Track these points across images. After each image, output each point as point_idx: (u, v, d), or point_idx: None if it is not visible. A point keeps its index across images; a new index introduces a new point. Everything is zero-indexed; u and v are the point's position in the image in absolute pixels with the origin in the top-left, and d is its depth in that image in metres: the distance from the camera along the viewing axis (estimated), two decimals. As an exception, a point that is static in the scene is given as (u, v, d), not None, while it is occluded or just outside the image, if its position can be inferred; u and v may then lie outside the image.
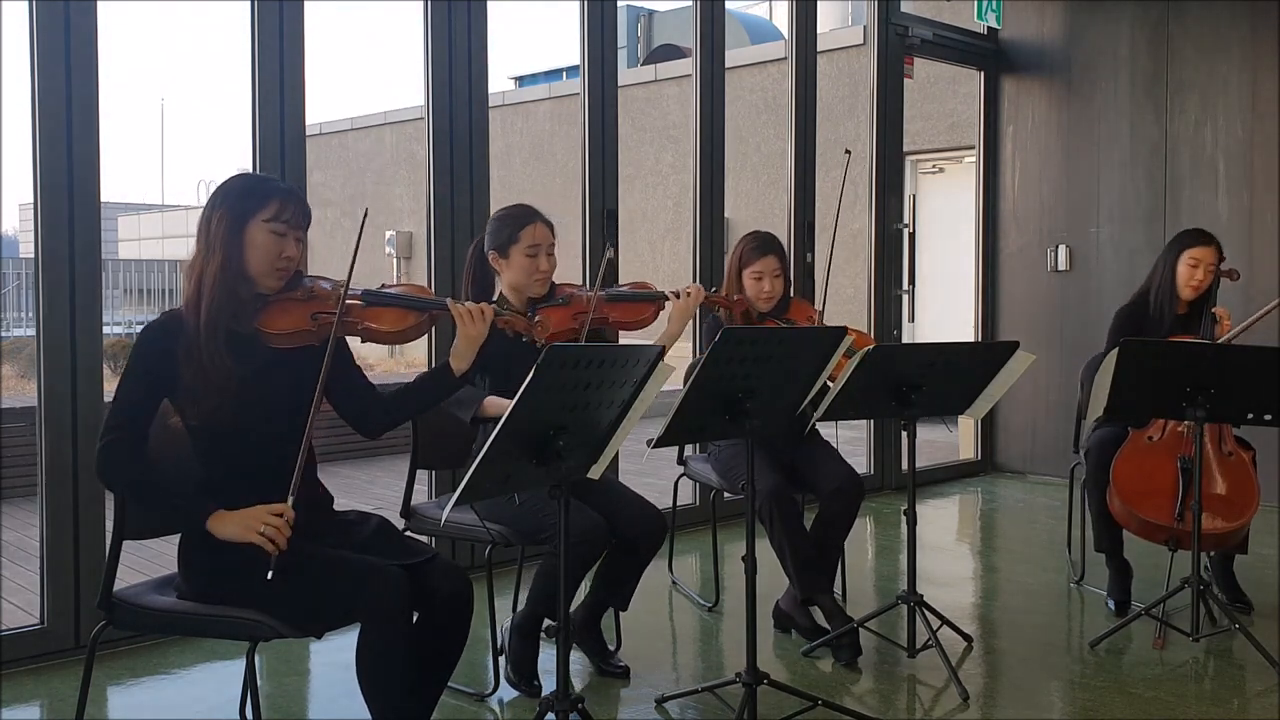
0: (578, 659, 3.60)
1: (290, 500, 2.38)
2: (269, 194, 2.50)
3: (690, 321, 3.57)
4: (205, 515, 2.39)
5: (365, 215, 2.64)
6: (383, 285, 2.71)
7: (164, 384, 2.45)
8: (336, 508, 2.69)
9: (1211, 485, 3.83)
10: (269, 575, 2.31)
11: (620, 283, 3.71)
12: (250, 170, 4.09)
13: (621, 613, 3.47)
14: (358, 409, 2.71)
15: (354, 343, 2.68)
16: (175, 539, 2.56)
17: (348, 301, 2.53)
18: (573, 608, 3.39)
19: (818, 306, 4.01)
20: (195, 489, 2.47)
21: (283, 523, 2.35)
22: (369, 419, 2.73)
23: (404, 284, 2.76)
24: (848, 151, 4.04)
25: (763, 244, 3.87)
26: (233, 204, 2.48)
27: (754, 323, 3.85)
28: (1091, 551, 4.27)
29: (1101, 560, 4.21)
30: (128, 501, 2.52)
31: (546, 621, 3.34)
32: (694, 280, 5.38)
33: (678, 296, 3.55)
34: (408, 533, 3.25)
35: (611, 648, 3.55)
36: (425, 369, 2.93)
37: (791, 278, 4.02)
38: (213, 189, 2.56)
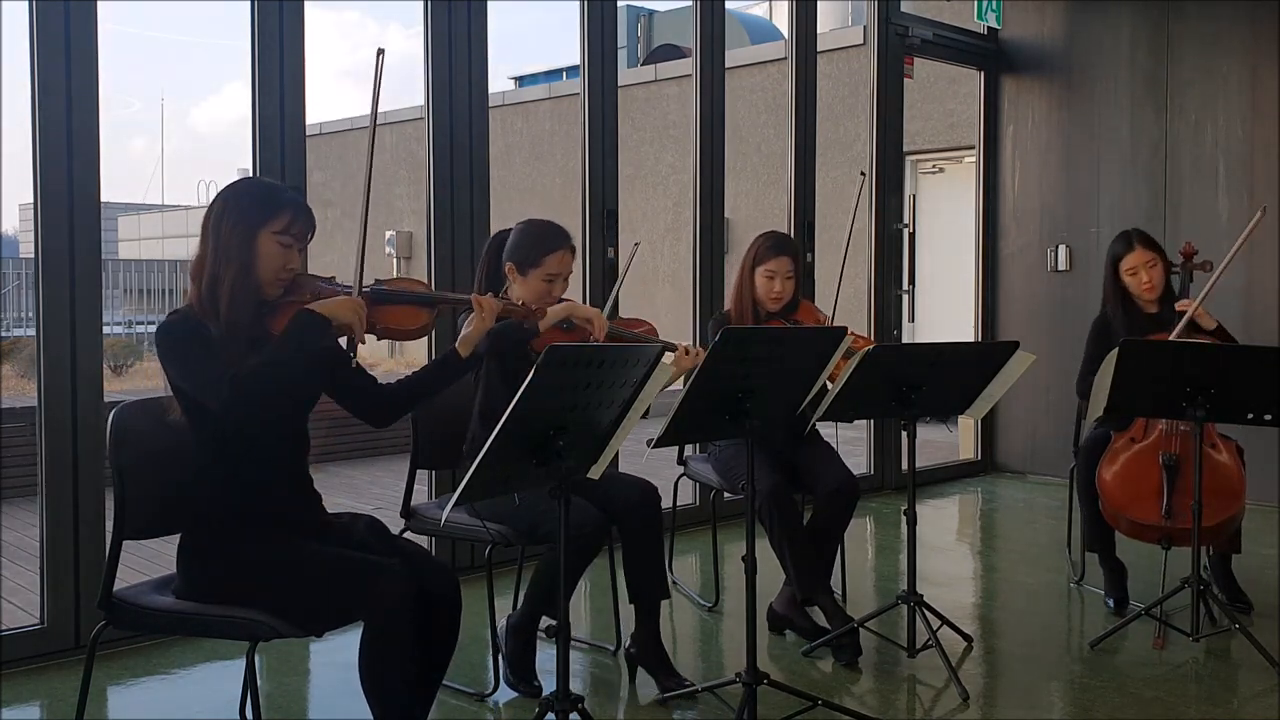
0: (578, 659, 3.60)
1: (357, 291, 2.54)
2: (280, 205, 2.52)
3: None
4: (315, 312, 2.43)
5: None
6: (376, 281, 2.73)
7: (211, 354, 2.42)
8: (329, 509, 2.70)
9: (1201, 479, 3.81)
10: (354, 360, 2.55)
11: (626, 317, 3.59)
12: (250, 171, 4.10)
13: (666, 601, 3.38)
14: (362, 401, 2.74)
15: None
16: (175, 539, 2.57)
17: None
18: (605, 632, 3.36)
19: (826, 312, 4.00)
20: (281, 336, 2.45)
21: (363, 310, 2.50)
22: (376, 410, 2.76)
23: (399, 279, 2.78)
24: (863, 174, 4.06)
25: (779, 244, 3.87)
26: (244, 212, 2.49)
27: (760, 323, 3.85)
28: (1086, 549, 4.27)
29: (1102, 560, 4.22)
30: (277, 393, 2.45)
31: (546, 622, 3.34)
32: (693, 295, 5.43)
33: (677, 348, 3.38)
34: (406, 533, 3.27)
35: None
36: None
37: (801, 281, 4.01)
38: (216, 189, 2.57)
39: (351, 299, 2.50)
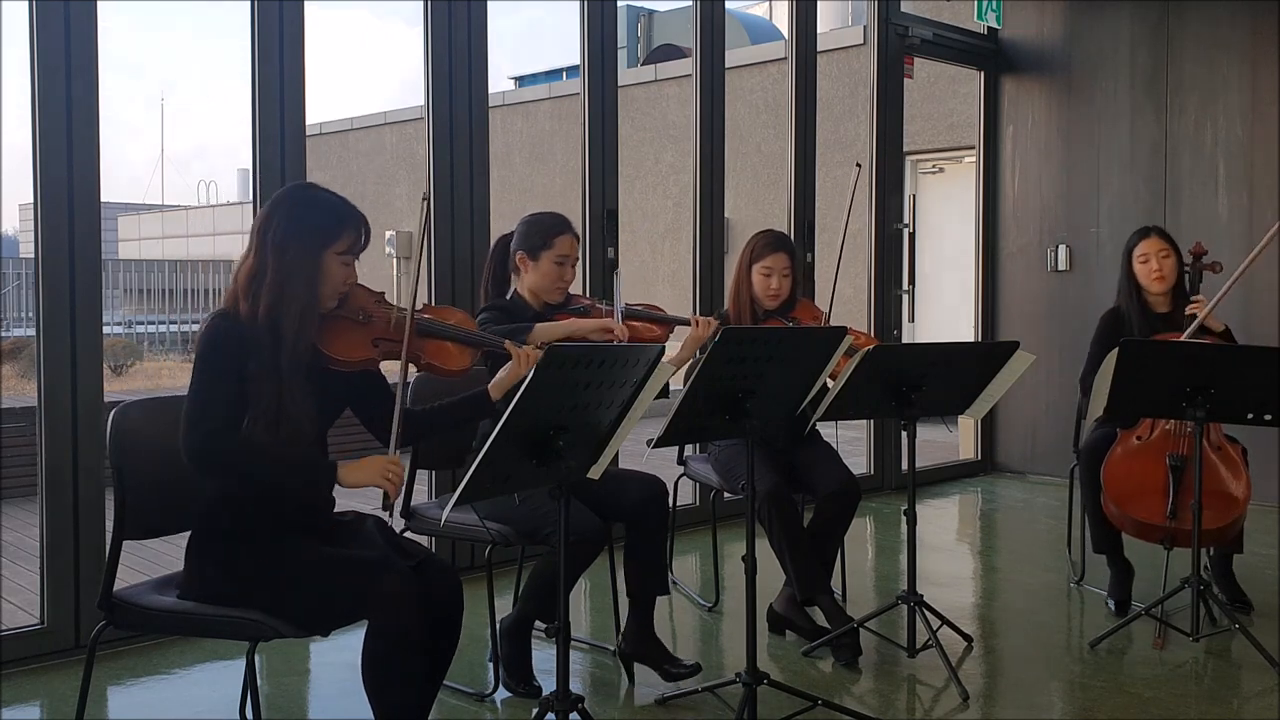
0: (577, 659, 3.60)
1: (396, 453, 2.49)
2: (345, 224, 2.51)
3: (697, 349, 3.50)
4: (335, 468, 2.45)
5: (426, 200, 2.70)
6: (425, 306, 2.78)
7: (239, 379, 2.42)
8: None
9: (1203, 481, 3.82)
10: (390, 515, 2.52)
11: (633, 302, 3.62)
12: (251, 171, 4.10)
13: (663, 596, 3.42)
14: (386, 427, 2.71)
15: None
16: (175, 539, 2.56)
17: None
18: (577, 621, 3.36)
19: (823, 309, 4.00)
20: (304, 452, 2.49)
21: (400, 470, 2.47)
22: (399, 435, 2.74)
23: (441, 308, 2.83)
24: (859, 165, 4.08)
25: (776, 241, 3.87)
26: (311, 233, 2.47)
27: (759, 322, 3.85)
28: (1092, 552, 4.26)
29: (1102, 560, 4.21)
30: (243, 487, 2.48)
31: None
32: (693, 295, 5.43)
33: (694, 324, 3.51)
34: (406, 533, 3.27)
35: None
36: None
37: (799, 279, 4.01)
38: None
39: (383, 462, 2.44)
